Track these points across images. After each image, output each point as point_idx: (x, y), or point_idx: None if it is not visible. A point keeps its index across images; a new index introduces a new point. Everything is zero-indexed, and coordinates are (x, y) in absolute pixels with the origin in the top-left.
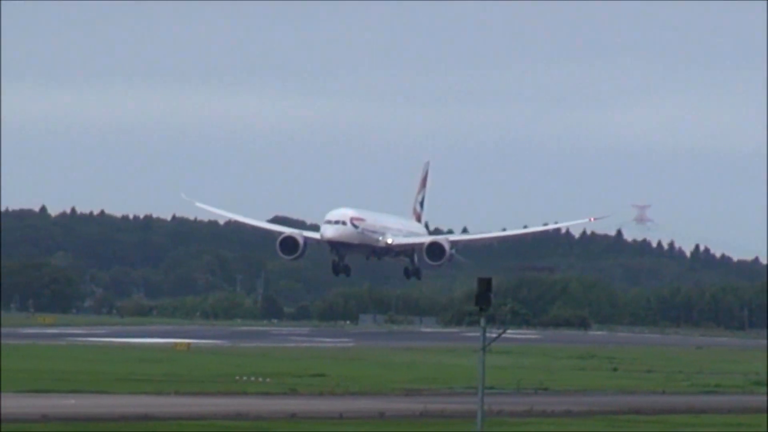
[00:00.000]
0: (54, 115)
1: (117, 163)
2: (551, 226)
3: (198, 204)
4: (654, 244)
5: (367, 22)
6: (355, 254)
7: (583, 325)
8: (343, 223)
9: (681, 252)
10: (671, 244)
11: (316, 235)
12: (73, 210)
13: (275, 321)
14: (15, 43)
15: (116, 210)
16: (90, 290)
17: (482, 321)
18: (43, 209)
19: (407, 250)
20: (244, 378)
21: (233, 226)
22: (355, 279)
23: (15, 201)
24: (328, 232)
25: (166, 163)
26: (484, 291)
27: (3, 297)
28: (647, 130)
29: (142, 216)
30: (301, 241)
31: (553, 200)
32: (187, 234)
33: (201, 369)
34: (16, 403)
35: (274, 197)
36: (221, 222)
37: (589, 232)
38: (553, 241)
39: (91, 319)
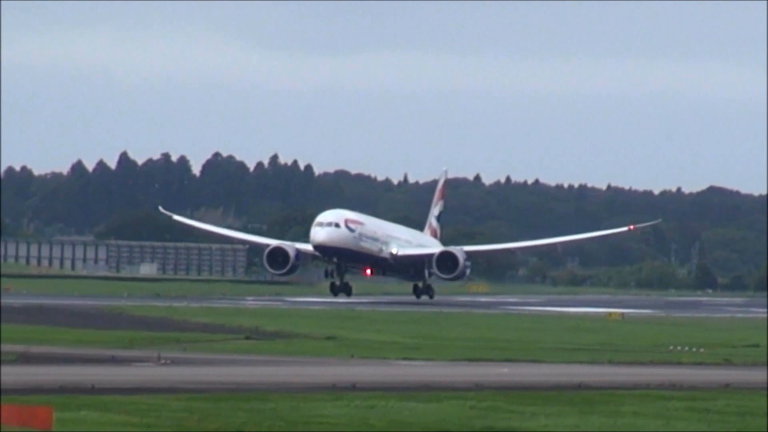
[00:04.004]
0: (488, 85)
1: (552, 133)
2: (576, 236)
3: (175, 217)
4: None
5: None
6: (353, 266)
7: None
8: (337, 225)
9: None
10: None
11: (309, 246)
12: (507, 179)
13: (710, 291)
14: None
15: (551, 179)
16: (524, 259)
17: None
18: (478, 178)
19: (416, 263)
20: (678, 348)
21: (668, 196)
22: None
23: (450, 170)
24: (319, 235)
25: (595, 132)
26: None
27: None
28: None
29: (576, 185)
30: (291, 253)
31: None
32: (622, 203)
33: (634, 338)
34: (450, 371)
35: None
36: (656, 192)
37: None
38: None
39: (524, 287)
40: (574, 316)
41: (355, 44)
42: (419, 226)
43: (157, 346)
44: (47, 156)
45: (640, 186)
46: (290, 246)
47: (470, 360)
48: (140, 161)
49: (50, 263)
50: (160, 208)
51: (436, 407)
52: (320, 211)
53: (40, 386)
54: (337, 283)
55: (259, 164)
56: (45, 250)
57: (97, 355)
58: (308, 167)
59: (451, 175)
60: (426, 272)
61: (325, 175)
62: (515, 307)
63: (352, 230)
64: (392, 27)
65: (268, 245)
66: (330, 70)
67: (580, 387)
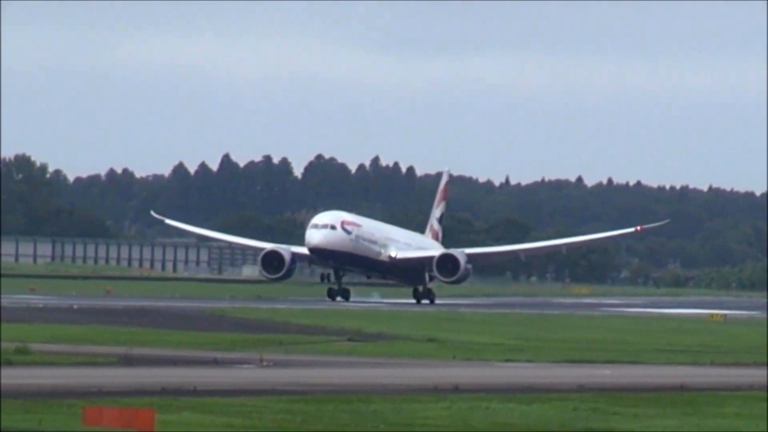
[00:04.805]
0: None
1: (654, 134)
2: (582, 238)
3: (167, 221)
4: None
5: None
6: (350, 270)
7: None
8: (333, 227)
9: None
10: None
11: (305, 250)
12: (609, 180)
13: None
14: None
15: (652, 180)
16: (625, 261)
17: None
18: (580, 179)
19: (416, 267)
20: None
21: None
22: None
23: (552, 172)
24: (315, 238)
25: (697, 133)
26: None
27: (538, 267)
28: None
29: (678, 186)
30: (287, 257)
31: None
32: (723, 204)
33: (736, 340)
34: (552, 373)
35: None
36: (757, 193)
37: None
38: None
39: (626, 289)
40: (675, 317)
41: (457, 45)
42: (522, 228)
43: (258, 348)
44: (149, 158)
45: (741, 187)
46: (285, 249)
47: (572, 361)
48: (242, 163)
49: (152, 265)
50: (152, 213)
51: (539, 409)
52: (422, 213)
53: (142, 388)
54: (335, 287)
55: (361, 166)
56: (147, 252)
57: (199, 357)
58: (410, 169)
59: (552, 177)
60: (426, 276)
61: (427, 176)
62: (617, 309)
63: (348, 232)
64: (496, 27)
65: (263, 249)
66: (431, 72)
67: (682, 388)
